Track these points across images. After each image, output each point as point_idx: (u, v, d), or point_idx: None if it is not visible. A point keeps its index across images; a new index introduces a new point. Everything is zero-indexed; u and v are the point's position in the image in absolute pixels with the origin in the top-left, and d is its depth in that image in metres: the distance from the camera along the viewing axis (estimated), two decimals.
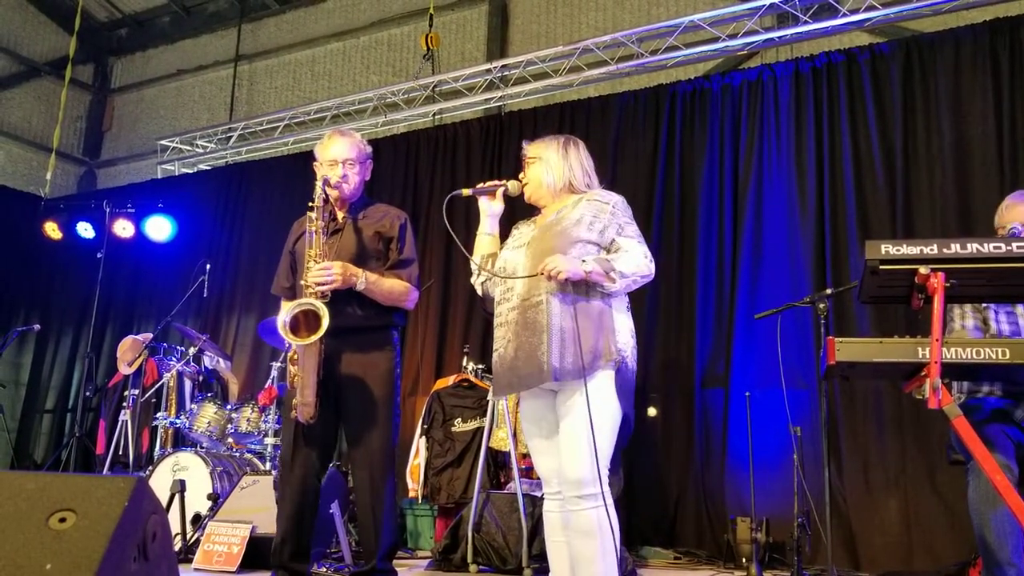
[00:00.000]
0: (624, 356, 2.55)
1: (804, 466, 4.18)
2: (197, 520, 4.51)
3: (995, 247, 2.23)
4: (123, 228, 7.44)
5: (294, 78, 8.75)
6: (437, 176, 6.71)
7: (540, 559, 3.90)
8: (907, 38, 5.38)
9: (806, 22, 5.75)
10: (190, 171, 8.51)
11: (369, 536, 3.10)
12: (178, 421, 5.31)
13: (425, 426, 5.21)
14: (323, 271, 2.98)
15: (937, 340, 2.22)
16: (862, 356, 2.33)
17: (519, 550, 4.11)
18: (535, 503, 4.12)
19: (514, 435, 4.59)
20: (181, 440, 5.76)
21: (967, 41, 5.04)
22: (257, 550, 3.99)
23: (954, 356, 2.26)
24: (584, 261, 2.49)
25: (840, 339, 2.35)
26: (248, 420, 5.15)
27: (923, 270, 2.23)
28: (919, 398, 2.28)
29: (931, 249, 2.24)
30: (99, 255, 7.07)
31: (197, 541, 4.27)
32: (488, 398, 4.67)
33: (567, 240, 2.56)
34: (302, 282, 3.02)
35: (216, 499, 4.53)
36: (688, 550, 5.06)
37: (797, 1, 5.74)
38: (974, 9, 5.32)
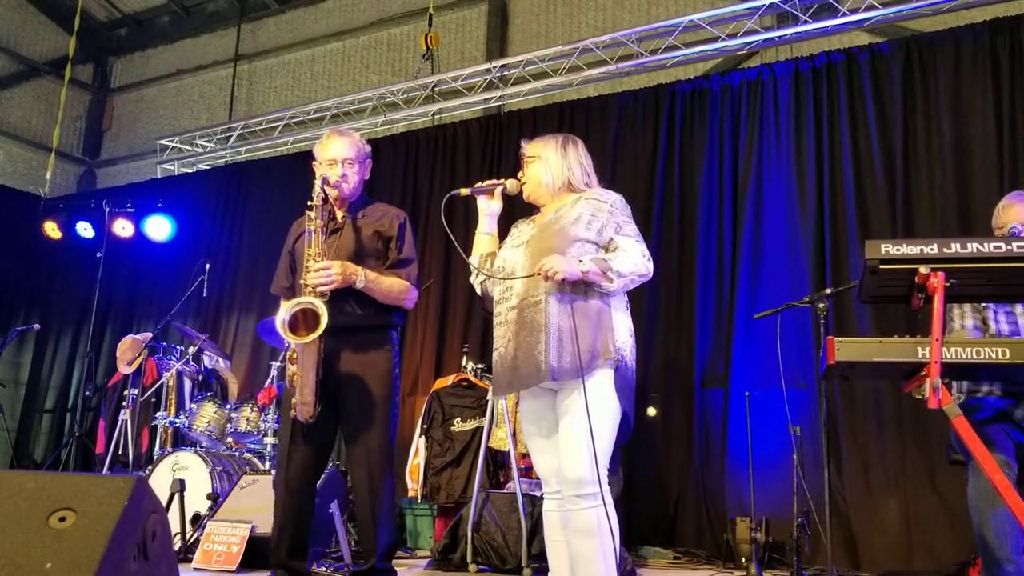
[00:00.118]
0: (623, 355, 2.55)
1: (804, 466, 4.18)
2: (197, 519, 4.51)
3: (995, 247, 2.23)
4: (123, 228, 7.44)
5: (294, 78, 8.75)
6: (437, 176, 6.71)
7: (540, 559, 3.90)
8: (907, 38, 5.38)
9: (806, 22, 5.75)
10: (190, 171, 8.51)
11: (368, 535, 3.10)
12: (178, 420, 5.31)
13: (425, 426, 5.20)
14: (322, 271, 2.98)
15: (937, 340, 2.22)
16: (862, 356, 2.34)
17: (519, 550, 4.11)
18: (535, 503, 4.12)
19: (513, 435, 4.59)
20: (181, 439, 5.76)
21: (967, 41, 5.04)
22: (256, 550, 3.99)
23: (954, 356, 2.26)
24: (581, 261, 2.49)
25: (840, 339, 2.35)
26: (248, 419, 5.15)
27: (923, 270, 2.23)
28: (919, 398, 2.28)
29: (931, 249, 2.24)
30: (99, 255, 7.07)
31: (197, 540, 4.27)
32: (488, 398, 4.67)
33: (565, 239, 2.56)
34: (301, 281, 3.02)
35: (216, 499, 4.53)
36: (688, 550, 5.06)
37: (797, 1, 5.74)
38: (974, 9, 5.33)
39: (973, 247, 2.23)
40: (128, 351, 6.07)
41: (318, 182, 3.13)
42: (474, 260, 2.79)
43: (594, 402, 2.46)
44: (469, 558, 4.22)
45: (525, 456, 4.29)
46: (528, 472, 4.46)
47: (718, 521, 5.02)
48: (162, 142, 8.61)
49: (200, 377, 5.87)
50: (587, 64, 6.58)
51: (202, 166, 8.57)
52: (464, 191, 2.83)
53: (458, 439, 5.08)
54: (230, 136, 8.30)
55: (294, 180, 7.10)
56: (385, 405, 3.12)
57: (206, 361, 6.03)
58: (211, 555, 4.07)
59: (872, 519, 4.67)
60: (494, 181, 2.84)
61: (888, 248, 2.27)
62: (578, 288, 2.52)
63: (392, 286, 3.16)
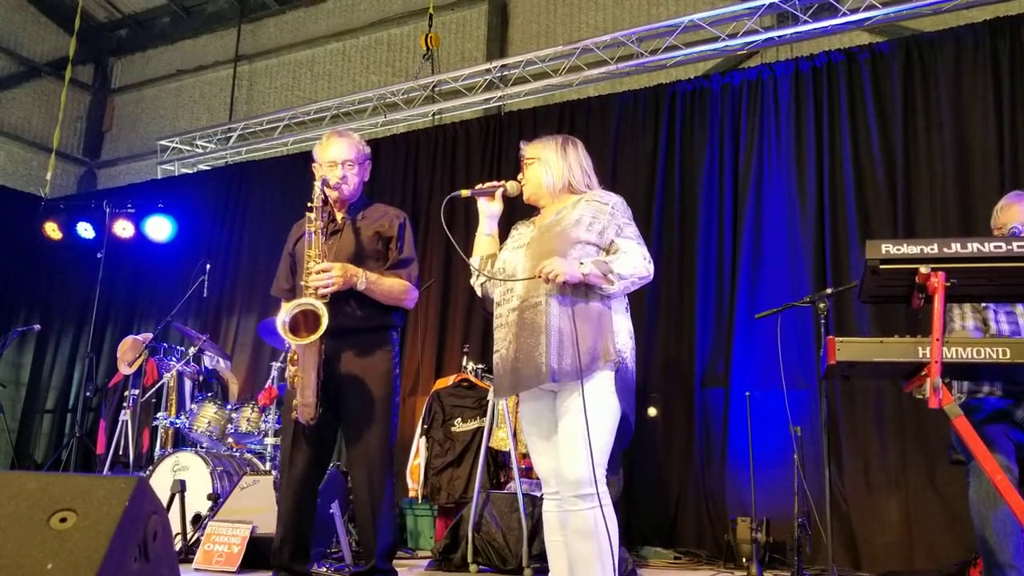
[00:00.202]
0: (623, 357, 2.55)
1: (804, 466, 4.18)
2: (197, 520, 4.51)
3: (996, 247, 2.23)
4: (123, 228, 7.44)
5: (294, 78, 8.75)
6: (437, 176, 6.71)
7: (540, 559, 3.90)
8: (907, 37, 5.38)
9: (806, 21, 5.75)
10: (190, 171, 8.51)
11: (368, 536, 3.10)
12: (178, 421, 5.31)
13: (425, 426, 5.21)
14: (323, 274, 2.98)
15: (938, 340, 2.22)
16: (862, 356, 2.34)
17: (519, 550, 4.11)
18: (535, 503, 4.12)
19: (514, 435, 4.59)
20: (181, 440, 5.76)
21: (967, 40, 5.04)
22: (257, 550, 3.99)
23: (955, 356, 2.26)
24: (582, 263, 2.49)
25: (840, 339, 2.35)
26: (248, 420, 5.15)
27: (924, 270, 2.23)
28: (920, 398, 2.28)
29: (932, 249, 2.24)
30: (99, 255, 7.07)
31: (197, 541, 4.27)
32: (488, 398, 4.67)
33: (566, 241, 2.56)
34: (302, 283, 3.02)
35: (216, 499, 4.53)
36: (688, 550, 5.06)
37: (797, 1, 5.74)
38: (974, 8, 5.32)
39: (974, 247, 2.23)
40: (129, 352, 6.07)
41: (318, 183, 3.12)
42: (475, 262, 2.79)
43: (594, 403, 2.46)
44: (470, 558, 4.22)
45: (526, 456, 4.29)
46: (529, 472, 4.46)
47: (719, 521, 5.01)
48: (162, 143, 8.61)
49: (201, 378, 5.87)
50: (587, 64, 6.58)
51: (202, 167, 8.57)
52: (464, 193, 2.82)
53: (459, 439, 5.08)
54: (230, 137, 8.30)
55: (295, 181, 7.10)
56: (385, 405, 3.12)
57: (207, 362, 6.03)
58: (212, 555, 4.07)
59: (873, 519, 4.67)
60: (494, 183, 2.83)
61: (889, 248, 2.27)
62: (579, 290, 2.52)
63: (393, 287, 3.16)
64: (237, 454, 5.13)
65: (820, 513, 3.72)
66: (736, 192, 5.51)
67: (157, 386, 5.76)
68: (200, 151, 8.50)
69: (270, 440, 4.97)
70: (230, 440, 5.24)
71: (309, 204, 3.09)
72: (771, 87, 5.54)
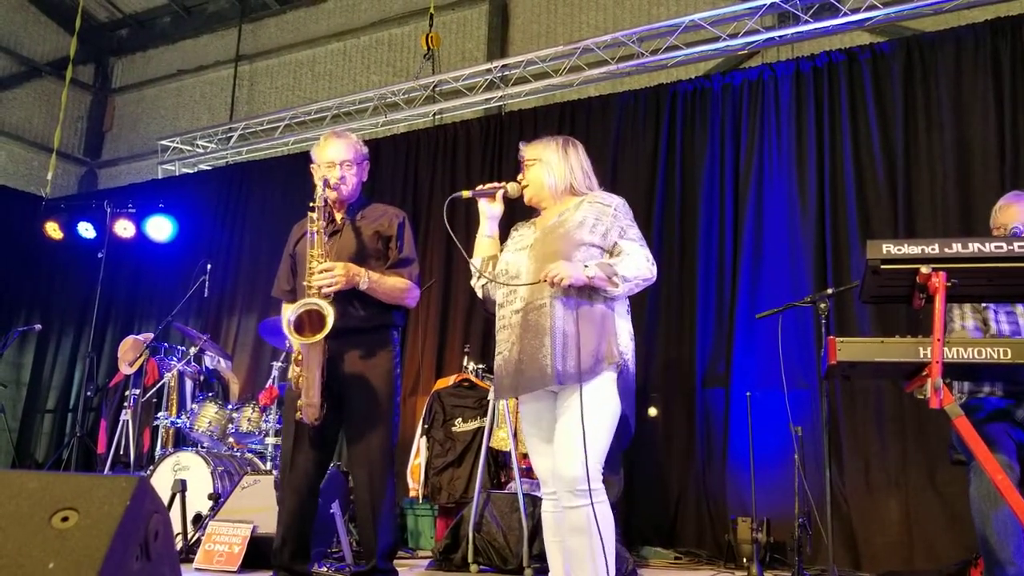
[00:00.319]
0: (625, 359, 2.57)
1: (805, 466, 4.17)
2: (198, 520, 4.52)
3: (996, 247, 2.23)
4: (124, 228, 7.45)
5: (294, 78, 8.76)
6: (437, 176, 6.71)
7: (540, 559, 3.90)
8: (908, 37, 5.38)
9: (807, 21, 5.75)
10: (191, 171, 8.52)
11: (369, 536, 3.10)
12: (179, 421, 5.31)
13: (426, 426, 5.21)
14: (326, 274, 2.98)
15: (939, 340, 2.22)
16: (863, 356, 2.34)
17: (520, 550, 4.11)
18: (536, 503, 4.12)
19: (514, 435, 4.59)
20: (182, 440, 5.77)
21: (968, 40, 5.04)
22: (258, 550, 3.99)
23: (955, 356, 2.27)
24: (587, 266, 2.50)
25: (841, 339, 2.35)
26: (249, 420, 5.16)
27: (924, 270, 2.23)
28: (920, 398, 2.29)
29: (932, 249, 2.24)
30: (100, 255, 7.07)
31: (198, 541, 4.27)
32: (489, 398, 4.67)
33: (570, 243, 2.57)
34: (305, 283, 3.02)
35: (217, 499, 4.53)
36: (689, 550, 5.06)
37: (798, 0, 5.74)
38: (975, 8, 5.32)
39: (974, 247, 2.23)
40: (129, 351, 6.07)
41: (319, 183, 3.13)
42: (476, 262, 2.79)
43: (596, 403, 2.47)
44: (470, 558, 4.23)
45: (526, 456, 4.28)
46: (529, 472, 4.45)
47: (719, 521, 5.01)
48: (163, 142, 8.62)
49: (201, 377, 5.87)
50: (588, 64, 6.58)
51: (203, 166, 8.58)
52: (466, 194, 2.82)
53: (459, 439, 5.08)
54: (231, 136, 8.30)
55: (295, 180, 7.10)
56: (386, 405, 3.12)
57: (207, 361, 6.03)
58: (212, 555, 4.07)
59: (873, 519, 4.67)
60: (495, 184, 2.82)
61: (889, 248, 2.27)
62: (583, 292, 2.53)
63: (395, 286, 3.16)
64: (238, 454, 5.13)
65: (820, 513, 3.72)
66: (737, 192, 5.51)
67: (158, 386, 5.76)
68: (201, 151, 8.50)
69: (271, 440, 4.97)
70: (231, 440, 5.24)
71: (311, 204, 3.10)
72: (772, 87, 5.54)
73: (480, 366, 5.33)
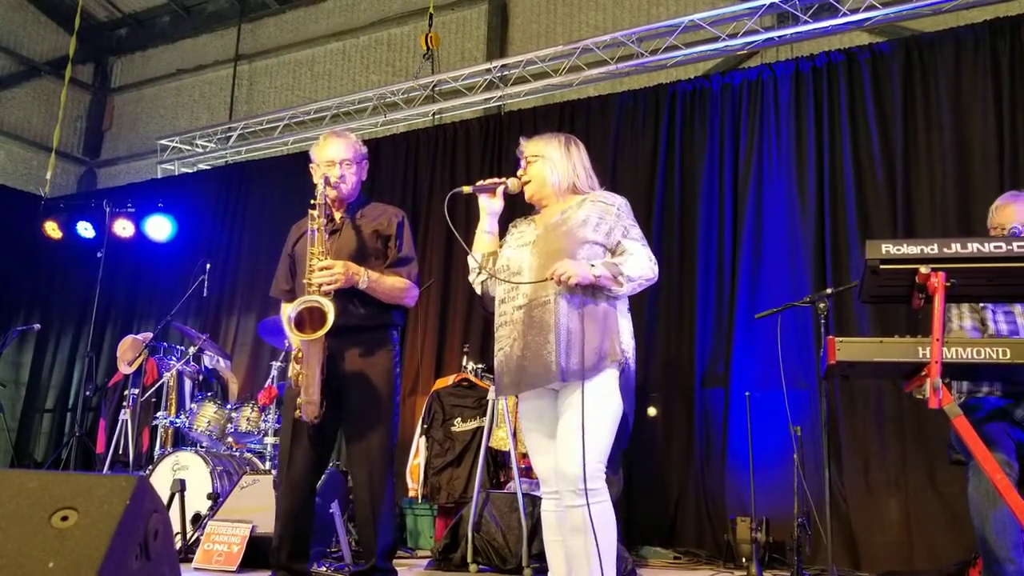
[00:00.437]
0: (627, 357, 2.58)
1: (804, 466, 4.18)
2: (197, 519, 4.52)
3: (995, 247, 2.23)
4: (123, 228, 7.44)
5: (294, 78, 8.76)
6: (437, 176, 6.71)
7: (540, 559, 3.90)
8: (907, 38, 5.38)
9: (806, 22, 5.75)
10: (190, 171, 8.51)
11: (368, 535, 3.10)
12: (178, 420, 5.31)
13: (425, 426, 5.21)
14: (325, 271, 2.98)
15: (938, 340, 2.23)
16: (862, 356, 2.34)
17: (519, 549, 4.11)
18: (535, 503, 4.12)
19: (514, 435, 4.59)
20: (181, 439, 5.76)
21: (967, 41, 5.04)
22: (257, 550, 3.99)
23: (955, 356, 2.27)
24: (593, 265, 2.51)
25: (840, 339, 2.35)
26: (248, 419, 5.16)
27: (924, 270, 2.23)
28: (919, 398, 2.29)
29: (932, 249, 2.25)
30: (99, 255, 7.07)
31: (197, 540, 4.27)
32: (488, 397, 4.67)
33: (575, 241, 2.57)
34: (305, 281, 3.03)
35: (216, 498, 4.53)
36: (688, 550, 5.07)
37: (797, 1, 5.74)
38: (974, 9, 5.32)
39: (973, 247, 2.23)
40: (128, 351, 6.07)
41: (320, 182, 3.13)
42: (476, 258, 2.79)
43: (598, 401, 2.47)
44: (469, 558, 4.23)
45: (525, 456, 4.28)
46: (528, 472, 4.45)
47: (718, 521, 5.02)
48: (162, 142, 8.61)
49: (200, 377, 5.87)
50: (587, 64, 6.58)
51: (202, 166, 8.57)
52: (467, 189, 2.81)
53: (458, 439, 5.08)
54: (230, 136, 8.30)
55: (295, 180, 7.10)
56: (386, 405, 3.12)
57: (206, 361, 6.03)
58: (211, 555, 4.07)
59: (873, 519, 4.67)
60: (496, 179, 2.82)
61: (889, 248, 2.27)
62: (587, 290, 2.54)
63: (394, 285, 3.16)
64: (237, 453, 5.13)
65: (820, 513, 3.72)
66: (736, 192, 5.51)
67: (157, 385, 5.77)
68: (200, 150, 8.50)
69: (270, 439, 4.97)
70: (230, 439, 5.24)
71: (312, 202, 3.10)
72: (771, 87, 5.54)
73: (479, 366, 5.33)
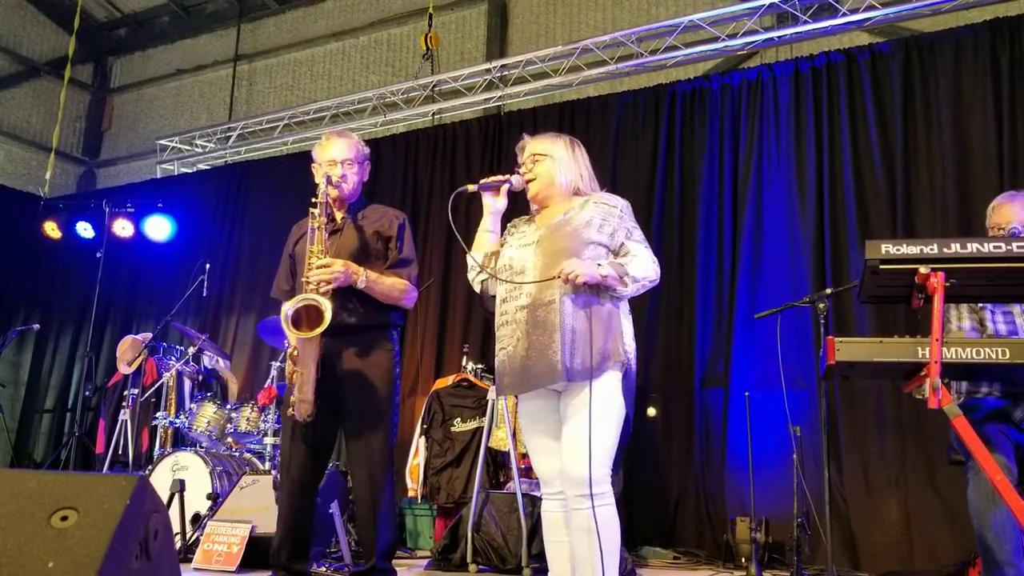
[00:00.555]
0: (629, 358, 2.58)
1: (804, 466, 4.18)
2: (197, 520, 4.52)
3: (995, 247, 2.23)
4: (123, 228, 7.44)
5: (293, 78, 8.75)
6: (436, 176, 6.71)
7: (539, 559, 3.90)
8: (907, 38, 5.38)
9: (806, 22, 5.75)
10: (189, 171, 8.51)
11: (368, 535, 3.10)
12: (178, 421, 5.31)
13: (425, 426, 5.21)
14: (324, 269, 2.99)
15: (937, 340, 2.23)
16: (862, 356, 2.34)
17: (519, 550, 4.11)
18: (534, 503, 4.12)
19: (514, 435, 4.59)
20: (181, 440, 5.76)
21: (967, 41, 5.04)
22: (257, 550, 3.99)
23: (954, 356, 2.27)
24: (600, 265, 2.52)
25: (840, 339, 2.35)
26: (248, 420, 5.15)
27: (923, 270, 2.23)
28: (919, 398, 2.29)
29: (931, 249, 2.25)
30: (99, 255, 7.06)
31: (197, 540, 4.27)
32: (488, 398, 4.67)
33: (579, 241, 2.57)
34: (303, 279, 3.03)
35: (216, 499, 4.53)
36: (688, 550, 5.07)
37: (797, 1, 5.75)
38: (974, 9, 5.33)
39: (973, 247, 2.23)
40: (128, 351, 6.07)
41: (322, 181, 3.13)
42: (478, 257, 2.77)
43: (602, 403, 2.47)
44: (469, 558, 4.23)
45: (525, 456, 4.29)
46: (528, 472, 4.46)
47: (718, 521, 5.02)
48: (162, 142, 8.61)
49: (200, 377, 5.87)
50: (587, 64, 6.58)
51: (202, 166, 8.57)
52: (471, 187, 2.78)
53: (458, 439, 5.08)
54: (230, 136, 8.30)
55: (294, 180, 7.10)
56: (386, 405, 3.12)
57: (206, 361, 6.03)
58: (211, 555, 4.07)
59: (872, 519, 4.67)
60: (499, 177, 2.78)
61: (888, 248, 2.27)
62: (591, 291, 2.54)
63: (393, 286, 3.16)
64: (236, 454, 5.13)
65: (819, 513, 3.73)
66: (736, 192, 5.51)
67: (156, 385, 5.76)
68: (200, 151, 8.50)
69: (269, 440, 4.97)
70: (229, 440, 5.24)
71: (313, 200, 3.10)
72: (771, 87, 5.54)
73: (479, 366, 5.33)
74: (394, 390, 3.17)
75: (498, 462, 4.93)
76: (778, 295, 5.02)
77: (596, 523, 2.42)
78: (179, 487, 4.46)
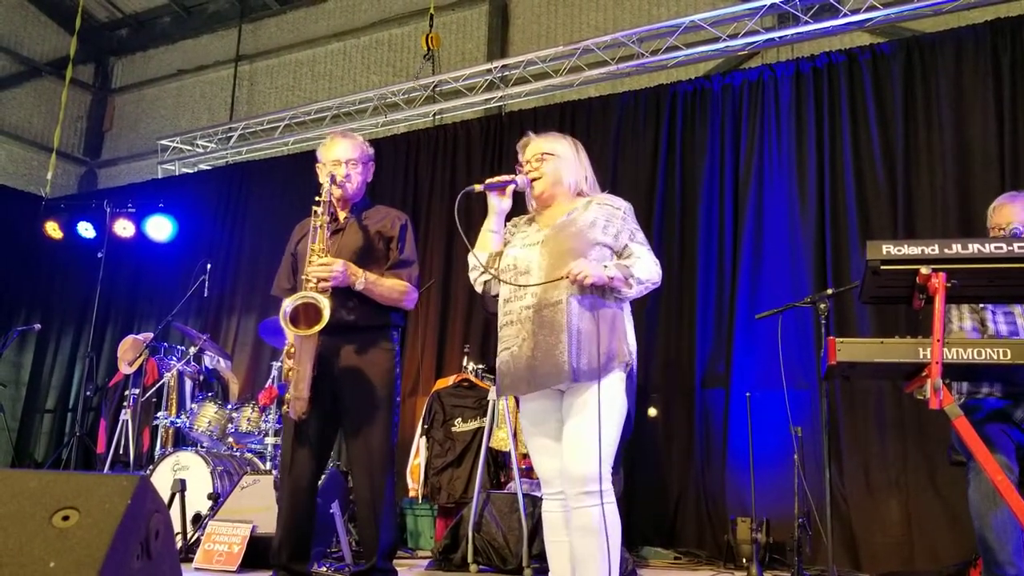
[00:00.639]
0: (632, 359, 2.60)
1: (805, 466, 4.18)
2: (198, 519, 4.52)
3: (996, 247, 2.24)
4: (124, 228, 7.45)
5: (294, 78, 8.76)
6: (437, 176, 6.71)
7: (540, 559, 3.91)
8: (908, 38, 5.38)
9: (807, 22, 5.75)
10: (190, 171, 8.52)
11: (369, 535, 3.10)
12: (179, 421, 5.31)
13: (425, 426, 5.21)
14: (324, 266, 2.99)
15: (938, 340, 2.23)
16: (863, 356, 2.34)
17: (519, 550, 4.11)
18: (535, 503, 4.12)
19: (514, 435, 4.59)
20: (182, 440, 5.77)
21: (968, 41, 5.04)
22: (257, 550, 3.99)
23: (955, 356, 2.27)
24: (606, 266, 2.52)
25: (841, 339, 2.36)
26: (248, 420, 5.16)
27: (924, 270, 2.23)
28: (920, 398, 2.29)
29: (932, 249, 2.25)
30: (100, 255, 7.08)
31: (198, 540, 4.27)
32: (489, 398, 4.67)
33: (585, 242, 2.58)
34: (303, 276, 3.03)
35: (216, 499, 4.53)
36: (688, 550, 5.07)
37: (798, 1, 5.75)
38: (975, 9, 5.33)
39: (974, 248, 2.23)
40: (129, 351, 6.07)
41: (326, 180, 3.14)
42: (482, 257, 2.75)
43: (607, 404, 2.48)
44: (470, 558, 4.23)
45: (526, 456, 4.29)
46: (529, 472, 4.46)
47: (719, 521, 5.02)
48: (163, 142, 8.62)
49: (201, 377, 5.87)
50: (588, 64, 6.58)
51: (203, 166, 8.58)
52: (478, 187, 2.75)
53: (459, 439, 5.08)
54: (231, 136, 8.30)
55: (295, 180, 7.11)
56: (386, 405, 3.12)
57: (207, 361, 6.03)
58: (212, 555, 4.07)
59: (873, 519, 4.67)
60: (505, 177, 2.76)
61: (889, 249, 2.27)
62: (597, 292, 2.55)
63: (393, 287, 3.16)
64: (237, 454, 5.13)
65: (820, 513, 3.72)
66: (737, 192, 5.51)
67: (157, 385, 5.77)
68: (201, 151, 8.50)
69: (270, 440, 4.97)
70: (230, 440, 5.24)
71: (316, 199, 3.11)
72: (772, 88, 5.54)
73: (480, 366, 5.33)
74: (394, 390, 3.17)
75: (499, 462, 4.93)
76: (779, 295, 5.02)
77: (601, 521, 2.42)
78: (180, 487, 4.47)
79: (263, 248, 7.17)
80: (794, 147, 5.39)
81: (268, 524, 3.93)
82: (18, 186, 8.94)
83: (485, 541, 4.26)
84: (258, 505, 4.23)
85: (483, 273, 2.76)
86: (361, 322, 3.13)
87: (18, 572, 1.44)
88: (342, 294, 3.05)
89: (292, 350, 3.01)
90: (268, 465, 4.94)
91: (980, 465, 2.38)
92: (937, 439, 4.39)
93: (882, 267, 2.27)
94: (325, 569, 4.13)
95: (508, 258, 2.71)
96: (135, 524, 1.53)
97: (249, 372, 6.97)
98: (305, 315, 2.93)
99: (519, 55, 6.96)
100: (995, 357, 2.27)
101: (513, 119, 6.58)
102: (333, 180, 3.14)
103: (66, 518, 1.50)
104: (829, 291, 3.82)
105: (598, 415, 2.46)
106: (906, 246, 2.27)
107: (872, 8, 5.55)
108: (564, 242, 2.59)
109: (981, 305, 3.17)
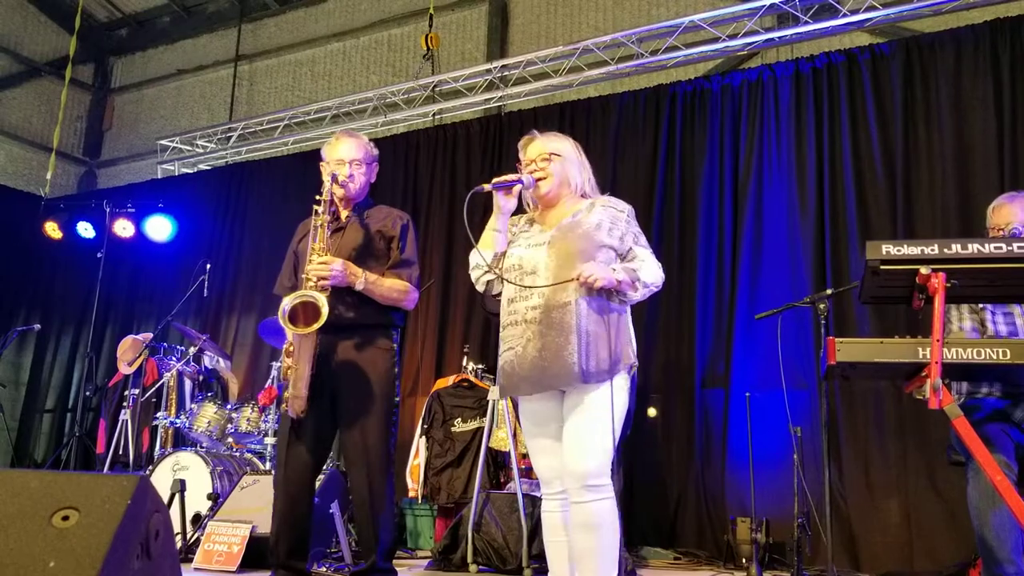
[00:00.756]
0: (635, 361, 2.62)
1: (804, 466, 4.18)
2: (197, 520, 4.52)
3: (996, 247, 2.24)
4: (123, 228, 7.45)
5: (294, 78, 8.76)
6: (437, 176, 6.71)
7: (540, 559, 3.90)
8: (907, 38, 5.38)
9: (806, 22, 5.75)
10: (190, 171, 8.52)
11: (368, 535, 3.10)
12: (178, 421, 5.31)
13: (425, 426, 5.21)
14: (323, 265, 2.99)
15: (938, 340, 2.23)
16: (863, 356, 2.35)
17: (519, 550, 4.11)
18: (535, 503, 4.12)
19: (514, 435, 4.59)
20: (181, 440, 5.76)
21: (968, 41, 5.04)
22: (257, 550, 3.99)
23: (955, 356, 2.27)
24: (615, 269, 2.54)
25: (840, 339, 2.36)
26: (248, 420, 5.16)
27: (924, 270, 2.24)
28: (920, 398, 2.29)
29: (932, 249, 2.25)
30: (99, 255, 7.07)
31: (197, 541, 4.27)
32: (489, 398, 4.67)
33: (592, 244, 2.59)
34: (303, 274, 3.03)
35: (216, 499, 4.53)
36: (688, 550, 5.07)
37: (797, 1, 5.75)
38: (975, 9, 5.33)
39: (974, 248, 2.24)
40: (129, 351, 6.07)
41: (328, 179, 3.14)
42: (487, 256, 2.73)
43: (608, 404, 2.49)
44: (470, 558, 4.23)
45: (525, 456, 4.29)
46: (529, 472, 4.46)
47: (719, 522, 5.02)
48: (163, 142, 8.62)
49: (200, 377, 5.87)
50: (587, 65, 6.58)
51: (203, 166, 8.58)
52: (486, 187, 2.73)
53: (458, 439, 5.08)
54: (231, 136, 8.30)
55: (295, 180, 7.11)
56: (384, 404, 3.12)
57: (206, 361, 6.03)
58: (212, 555, 4.07)
59: (873, 520, 4.67)
60: (512, 176, 2.74)
61: (889, 249, 2.28)
62: (603, 294, 2.56)
63: (393, 287, 3.17)
64: (237, 454, 5.13)
65: (820, 514, 3.73)
66: (736, 192, 5.51)
67: (157, 386, 5.77)
68: (200, 151, 8.50)
69: (270, 440, 4.97)
70: (230, 440, 5.24)
71: (317, 198, 3.11)
72: (771, 88, 5.54)
73: (480, 366, 5.33)
74: (393, 390, 3.17)
75: (498, 462, 4.93)
76: (779, 295, 5.02)
77: (602, 517, 2.44)
78: (180, 487, 4.47)
79: (263, 248, 7.17)
80: (794, 147, 5.39)
81: (268, 524, 3.89)
82: (18, 186, 8.94)
83: (485, 541, 4.26)
84: (258, 505, 4.23)
85: (486, 272, 2.75)
86: (360, 321, 3.13)
87: (18, 572, 1.44)
88: (342, 292, 3.05)
89: (291, 348, 3.01)
90: (268, 465, 4.94)
91: (979, 465, 2.38)
92: (937, 439, 4.39)
93: (882, 267, 2.27)
94: (325, 569, 4.13)
95: (512, 258, 2.70)
96: (135, 524, 1.53)
97: (249, 372, 6.97)
98: (304, 313, 2.94)
99: (519, 55, 6.96)
100: (995, 357, 2.28)
101: (513, 119, 6.58)
102: (335, 179, 3.14)
103: (66, 518, 1.50)
104: (829, 291, 3.82)
105: (611, 417, 2.48)
106: (906, 246, 2.27)
107: (872, 8, 5.55)
108: (572, 244, 2.59)
109: (980, 305, 3.17)
